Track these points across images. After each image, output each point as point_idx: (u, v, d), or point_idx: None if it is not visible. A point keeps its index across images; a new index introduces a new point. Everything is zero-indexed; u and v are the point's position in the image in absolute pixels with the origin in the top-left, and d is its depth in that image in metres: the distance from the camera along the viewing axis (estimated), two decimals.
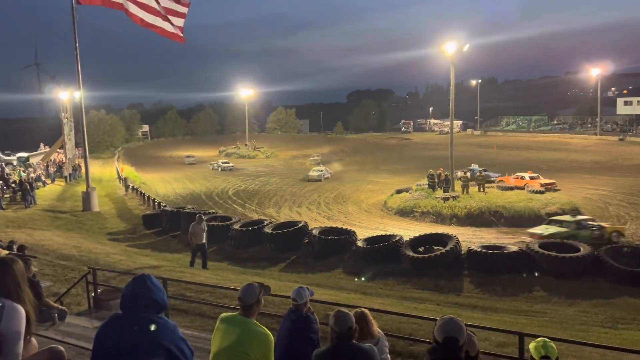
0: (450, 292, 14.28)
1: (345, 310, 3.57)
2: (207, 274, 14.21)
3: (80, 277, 9.49)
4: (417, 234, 18.39)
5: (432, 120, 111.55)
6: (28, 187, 27.38)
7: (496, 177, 36.43)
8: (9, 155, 49.05)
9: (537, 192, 29.57)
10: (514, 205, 26.64)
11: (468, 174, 33.86)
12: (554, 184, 33.69)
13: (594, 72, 78.51)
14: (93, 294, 8.74)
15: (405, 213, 28.34)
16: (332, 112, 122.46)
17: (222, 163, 56.96)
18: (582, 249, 15.23)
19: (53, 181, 38.23)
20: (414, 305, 12.17)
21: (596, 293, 13.57)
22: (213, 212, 23.96)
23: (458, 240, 16.36)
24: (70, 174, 41.02)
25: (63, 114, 43.30)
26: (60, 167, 42.91)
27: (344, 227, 20.02)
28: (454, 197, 28.49)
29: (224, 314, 3.79)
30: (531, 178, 34.06)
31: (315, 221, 26.41)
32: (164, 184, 43.85)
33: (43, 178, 36.44)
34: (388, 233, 19.01)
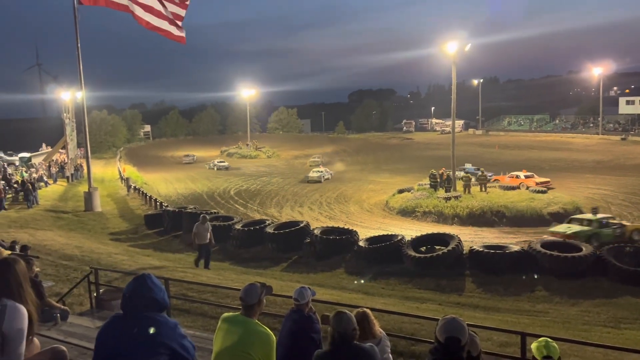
0: (452, 292, 14.27)
1: (345, 310, 3.56)
2: (209, 273, 14.23)
3: (82, 277, 9.52)
4: (418, 234, 18.39)
5: (434, 120, 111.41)
6: (30, 187, 27.43)
7: (490, 176, 36.44)
8: (11, 155, 49.14)
9: (539, 191, 29.51)
10: (516, 205, 26.60)
11: (469, 173, 33.81)
12: (548, 182, 34.01)
13: (596, 71, 78.29)
14: (95, 294, 8.75)
15: (407, 213, 28.33)
16: (333, 112, 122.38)
17: (218, 162, 57.85)
18: (584, 249, 15.21)
19: (55, 181, 38.30)
20: (415, 305, 12.17)
21: (598, 293, 13.55)
22: (215, 212, 23.98)
23: (460, 240, 16.35)
24: (72, 174, 41.08)
25: (65, 114, 43.34)
26: (62, 168, 42.98)
27: (346, 227, 20.02)
28: (456, 197, 28.46)
29: (225, 314, 3.79)
30: (526, 177, 34.44)
31: (317, 221, 26.42)
32: (166, 184, 43.90)
33: (45, 178, 36.50)
34: (390, 233, 19.01)
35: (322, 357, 3.38)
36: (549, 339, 3.65)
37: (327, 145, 77.35)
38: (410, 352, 7.07)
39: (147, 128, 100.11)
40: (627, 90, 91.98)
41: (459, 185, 30.90)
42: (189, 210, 22.64)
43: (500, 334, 7.62)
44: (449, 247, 15.76)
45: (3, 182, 28.24)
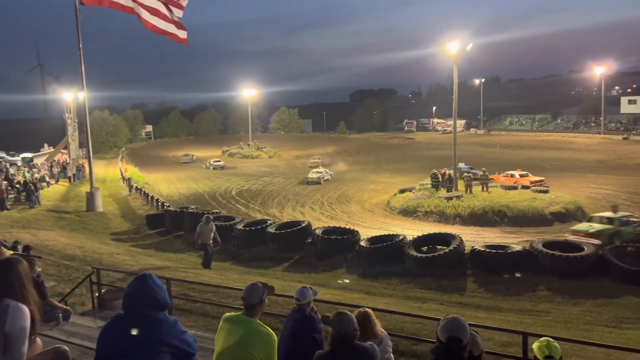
0: (453, 292, 14.26)
1: (346, 311, 3.56)
2: (211, 273, 14.25)
3: (84, 277, 9.53)
4: (420, 234, 18.38)
5: (435, 120, 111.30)
6: (32, 187, 27.49)
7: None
8: (13, 155, 49.26)
9: (540, 191, 29.47)
10: (518, 204, 26.57)
11: (471, 173, 33.76)
12: (543, 181, 34.22)
13: (598, 70, 78.14)
14: (97, 294, 8.77)
15: (408, 213, 28.31)
16: (335, 112, 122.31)
17: (214, 162, 58.79)
18: (585, 248, 15.20)
19: (57, 181, 38.38)
20: (417, 304, 12.17)
21: (600, 292, 13.53)
22: (216, 212, 24.00)
23: (461, 239, 16.33)
24: (74, 175, 41.14)
25: (67, 115, 43.43)
26: (64, 168, 43.05)
27: (347, 227, 20.01)
28: (458, 197, 28.44)
29: (227, 314, 3.79)
30: (521, 176, 34.73)
31: (319, 221, 26.42)
32: (168, 184, 43.94)
33: (47, 178, 36.57)
34: (391, 233, 19.01)
35: (323, 358, 3.38)
36: (550, 339, 3.65)
37: (329, 145, 77.35)
38: (411, 352, 7.07)
39: (149, 128, 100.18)
40: (629, 90, 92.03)
41: (461, 185, 30.87)
42: (191, 211, 22.66)
43: (501, 333, 7.62)
44: (451, 247, 15.75)
45: (5, 182, 28.30)
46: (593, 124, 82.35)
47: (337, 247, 17.47)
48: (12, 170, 35.44)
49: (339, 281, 15.41)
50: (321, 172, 43.91)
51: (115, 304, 8.00)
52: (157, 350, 2.82)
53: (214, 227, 15.52)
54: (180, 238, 21.33)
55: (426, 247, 16.89)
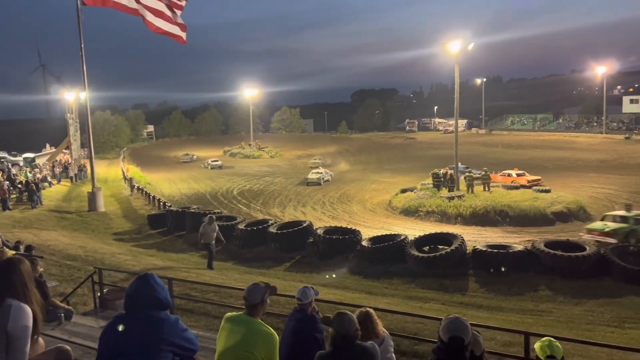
0: (455, 292, 14.25)
1: (347, 311, 3.55)
2: (212, 273, 14.27)
3: (86, 277, 9.55)
4: (422, 234, 18.36)
5: (437, 120, 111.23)
6: (34, 187, 27.53)
7: (478, 173, 36.45)
8: (15, 156, 49.30)
9: (542, 191, 29.44)
10: (520, 204, 26.53)
11: (466, 172, 33.72)
12: (539, 180, 34.38)
13: (600, 70, 77.95)
14: (99, 294, 8.78)
15: (410, 212, 28.29)
16: (336, 112, 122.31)
17: (211, 162, 59.66)
18: (587, 248, 15.18)
19: (59, 182, 38.43)
20: (419, 304, 12.17)
21: (602, 292, 13.51)
22: (218, 212, 24.01)
23: (463, 239, 16.33)
24: (75, 175, 41.20)
25: (69, 115, 43.53)
26: (66, 168, 43.10)
27: (349, 227, 20.00)
28: (459, 197, 28.42)
29: (228, 314, 3.79)
30: (517, 175, 34.97)
31: (320, 221, 26.42)
32: (169, 184, 43.98)
33: (49, 178, 36.62)
34: (393, 232, 18.98)
35: (324, 358, 3.38)
36: (552, 339, 3.64)
37: (330, 145, 77.33)
38: (413, 352, 7.07)
39: (150, 128, 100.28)
40: (630, 89, 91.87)
41: (462, 185, 30.85)
42: (192, 210, 22.68)
43: (503, 333, 7.62)
44: (452, 247, 15.74)
45: (7, 182, 28.33)
46: (595, 124, 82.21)
47: (339, 247, 17.46)
48: (14, 171, 35.50)
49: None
50: (321, 173, 43.14)
51: (117, 303, 8.01)
52: (158, 349, 2.83)
53: (217, 227, 15.54)
54: (182, 238, 21.35)
55: (428, 247, 16.88)
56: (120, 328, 2.83)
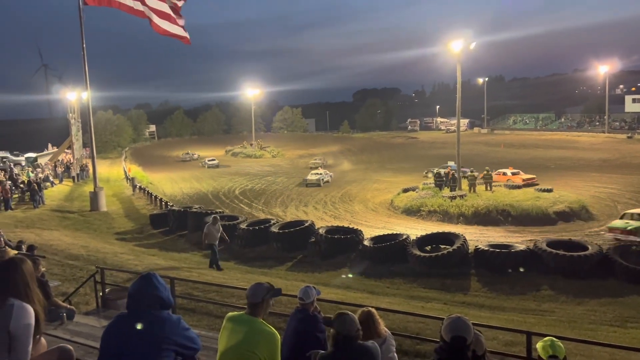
0: (457, 291, 14.25)
1: (348, 312, 3.55)
2: (214, 273, 14.29)
3: (88, 276, 9.56)
4: (424, 233, 18.37)
5: (439, 119, 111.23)
6: (36, 187, 27.58)
7: (473, 171, 36.55)
8: (17, 155, 49.40)
9: (544, 190, 29.39)
10: (522, 203, 26.48)
11: (475, 172, 33.72)
12: (534, 178, 34.79)
13: (602, 69, 77.81)
14: (101, 294, 8.79)
15: (412, 212, 28.26)
16: (338, 111, 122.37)
17: (208, 161, 60.76)
18: (590, 248, 15.16)
19: (61, 181, 38.49)
20: (420, 304, 12.17)
21: (605, 292, 13.50)
22: (220, 212, 24.03)
23: (465, 239, 16.32)
24: (77, 174, 41.27)
25: (71, 115, 43.52)
26: (68, 168, 43.17)
27: (351, 226, 20.02)
28: (461, 196, 28.38)
29: (230, 313, 3.79)
30: (512, 174, 35.42)
31: (322, 220, 26.41)
32: (171, 184, 44.01)
33: (51, 178, 36.68)
34: (395, 232, 18.98)
35: (325, 359, 3.39)
36: (554, 338, 3.64)
37: (332, 145, 77.28)
38: (415, 351, 7.06)
39: (152, 128, 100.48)
40: (633, 89, 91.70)
41: (464, 184, 30.81)
42: (194, 210, 22.72)
43: (505, 333, 7.61)
44: (454, 246, 15.73)
45: (9, 182, 28.39)
46: (597, 123, 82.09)
47: (341, 246, 17.47)
48: (16, 170, 35.57)
49: (343, 276, 15.52)
50: (320, 174, 41.99)
51: (119, 303, 8.02)
52: (160, 348, 2.83)
53: (221, 228, 15.55)
54: (184, 237, 21.38)
55: (430, 247, 16.88)
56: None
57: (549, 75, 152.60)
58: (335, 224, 22.13)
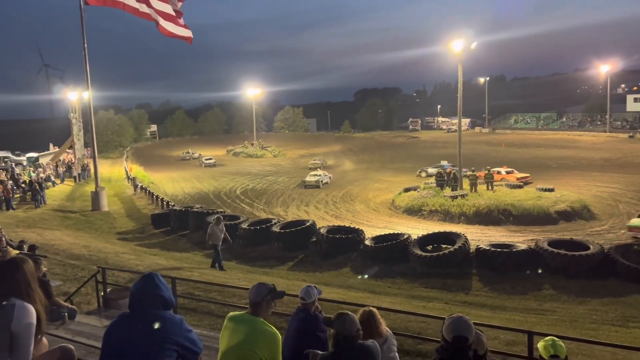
0: (458, 291, 14.24)
1: (348, 312, 3.55)
2: (216, 272, 14.29)
3: (89, 276, 9.57)
4: (425, 233, 18.35)
5: (440, 118, 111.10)
6: (38, 187, 27.62)
7: (473, 170, 36.55)
8: (19, 155, 49.49)
9: (546, 189, 29.37)
10: (523, 203, 26.45)
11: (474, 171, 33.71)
12: (528, 177, 35.20)
13: (604, 68, 77.61)
14: (102, 293, 8.79)
15: (413, 211, 28.25)
16: (339, 111, 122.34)
17: (205, 160, 61.65)
18: (591, 247, 15.13)
19: (62, 181, 38.53)
20: (422, 304, 12.16)
21: (606, 291, 13.48)
22: (221, 211, 24.05)
23: (466, 238, 16.32)
24: (79, 174, 41.31)
25: (72, 114, 43.56)
26: (69, 167, 43.22)
27: (352, 226, 20.01)
28: (462, 196, 28.37)
29: (232, 313, 3.79)
30: (507, 172, 35.80)
31: (323, 220, 26.41)
32: (173, 184, 44.04)
33: (52, 178, 36.73)
34: (396, 232, 18.98)
35: (326, 359, 3.39)
36: (556, 338, 3.63)
37: (333, 144, 77.27)
38: (416, 351, 7.06)
39: (154, 128, 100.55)
40: (634, 88, 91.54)
41: (466, 184, 30.80)
42: (196, 210, 22.74)
43: (507, 332, 7.60)
44: (456, 246, 15.73)
45: (11, 182, 28.44)
46: (598, 122, 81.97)
47: (342, 246, 17.48)
48: (17, 170, 35.63)
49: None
50: (319, 175, 41.16)
51: (120, 303, 8.03)
52: (162, 348, 2.83)
53: (224, 228, 15.56)
54: (185, 237, 21.39)
55: (431, 246, 16.87)
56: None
57: (550, 75, 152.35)
58: (337, 224, 22.13)
